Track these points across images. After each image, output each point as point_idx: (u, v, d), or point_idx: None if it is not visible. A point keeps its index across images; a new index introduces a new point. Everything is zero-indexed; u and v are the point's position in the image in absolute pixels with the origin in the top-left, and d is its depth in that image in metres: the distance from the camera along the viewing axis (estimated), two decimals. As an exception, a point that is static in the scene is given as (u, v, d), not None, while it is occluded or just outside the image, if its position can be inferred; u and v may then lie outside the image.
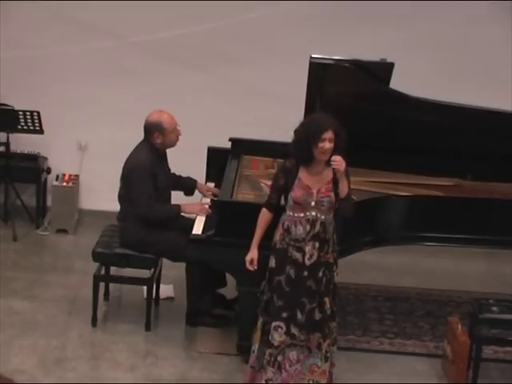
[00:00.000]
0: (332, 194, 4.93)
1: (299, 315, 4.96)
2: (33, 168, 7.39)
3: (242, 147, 6.40)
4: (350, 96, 5.77)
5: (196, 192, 6.23)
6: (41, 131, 7.14)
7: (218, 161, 6.37)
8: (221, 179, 6.00)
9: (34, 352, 5.53)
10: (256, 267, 5.07)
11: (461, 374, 5.41)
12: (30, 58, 7.41)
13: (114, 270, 6.06)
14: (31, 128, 7.13)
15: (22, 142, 7.38)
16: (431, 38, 7.20)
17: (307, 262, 4.94)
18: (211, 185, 6.33)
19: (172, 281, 6.43)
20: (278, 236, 5.01)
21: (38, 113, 7.08)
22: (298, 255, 4.95)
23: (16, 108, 7.10)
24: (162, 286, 6.30)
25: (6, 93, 7.28)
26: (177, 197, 6.09)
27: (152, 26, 7.35)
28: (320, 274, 4.95)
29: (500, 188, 6.06)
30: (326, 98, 5.61)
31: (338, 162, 4.84)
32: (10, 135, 7.12)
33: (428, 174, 6.14)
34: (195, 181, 6.21)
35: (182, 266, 5.92)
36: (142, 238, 5.78)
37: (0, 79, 7.25)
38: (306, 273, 4.94)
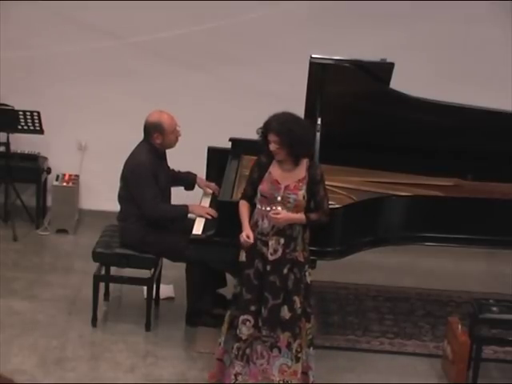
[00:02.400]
0: (300, 193, 4.93)
1: (263, 309, 4.99)
2: (33, 168, 7.39)
3: (242, 147, 6.40)
4: (350, 96, 5.77)
5: (196, 187, 6.23)
6: (41, 131, 7.14)
7: (218, 161, 6.36)
8: (221, 179, 6.00)
9: (34, 352, 5.53)
10: (253, 241, 4.98)
11: (461, 374, 5.41)
12: (30, 58, 7.41)
13: (114, 270, 6.06)
14: (31, 128, 7.13)
15: (22, 142, 7.38)
16: (431, 38, 7.20)
17: (270, 257, 4.96)
18: (211, 183, 6.32)
19: (172, 281, 6.43)
20: None
21: (38, 113, 7.08)
22: (265, 249, 4.98)
23: (16, 108, 7.11)
24: (162, 286, 6.31)
25: (6, 93, 7.28)
26: (177, 193, 6.10)
27: (152, 26, 7.35)
28: (285, 270, 4.96)
29: (500, 188, 6.06)
30: (326, 98, 5.61)
31: (276, 216, 4.88)
32: (10, 135, 7.12)
33: (428, 174, 6.14)
34: (195, 175, 6.21)
35: (181, 266, 5.92)
36: (142, 238, 5.78)
37: (0, 79, 7.25)
38: (268, 267, 4.97)
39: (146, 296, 5.92)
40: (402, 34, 7.15)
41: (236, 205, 5.31)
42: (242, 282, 5.06)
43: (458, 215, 5.72)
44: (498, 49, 7.22)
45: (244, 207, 5.11)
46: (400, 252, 6.58)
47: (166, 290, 6.36)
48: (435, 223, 5.74)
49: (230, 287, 6.02)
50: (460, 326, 5.48)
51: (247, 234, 4.99)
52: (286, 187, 4.94)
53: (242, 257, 5.06)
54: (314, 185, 4.97)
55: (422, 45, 7.21)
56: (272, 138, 4.90)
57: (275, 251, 4.96)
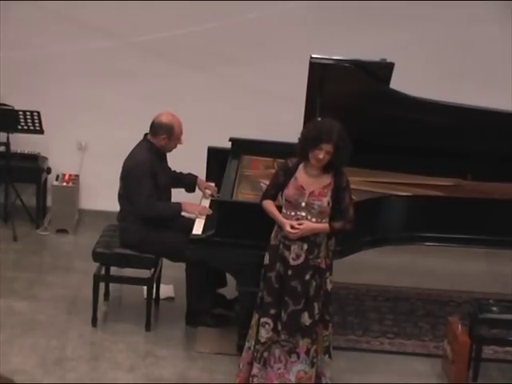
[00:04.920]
0: (325, 200, 4.91)
1: (282, 313, 4.97)
2: (33, 168, 7.39)
3: (242, 147, 6.41)
4: (349, 96, 5.77)
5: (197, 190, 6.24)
6: (41, 131, 7.14)
7: (218, 161, 6.36)
8: (221, 179, 6.00)
9: (34, 352, 5.53)
10: (302, 226, 4.91)
11: (461, 374, 5.41)
12: (30, 58, 7.41)
13: (114, 270, 6.06)
14: (31, 128, 7.12)
15: (22, 142, 7.37)
16: (431, 38, 7.20)
17: (292, 262, 4.94)
18: (211, 185, 6.33)
19: (172, 281, 6.42)
20: (273, 233, 5.04)
21: (38, 113, 7.08)
22: (287, 253, 4.96)
23: (16, 108, 7.10)
24: (162, 286, 6.31)
25: (6, 93, 7.28)
26: (178, 194, 6.10)
27: (152, 26, 7.34)
28: (307, 277, 4.94)
29: (500, 188, 6.06)
30: (325, 97, 5.61)
31: (299, 227, 4.87)
32: (10, 135, 7.11)
33: (428, 173, 6.15)
34: (196, 177, 6.22)
35: (181, 266, 5.92)
36: (142, 238, 5.78)
37: (0, 79, 7.25)
38: (290, 272, 4.95)
39: (146, 296, 5.91)
40: (401, 34, 7.15)
41: (236, 205, 5.32)
42: (264, 285, 5.05)
43: (457, 215, 5.72)
44: (498, 49, 7.21)
45: (269, 204, 5.07)
46: (400, 252, 6.59)
47: (165, 290, 6.36)
48: (435, 223, 5.75)
49: (230, 287, 6.02)
50: (460, 326, 5.48)
51: (291, 225, 4.91)
52: (311, 193, 4.92)
53: (266, 259, 5.05)
54: (339, 192, 4.94)
55: (422, 45, 7.21)
56: (327, 147, 4.83)
57: (298, 256, 4.94)
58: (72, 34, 7.36)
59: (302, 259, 4.94)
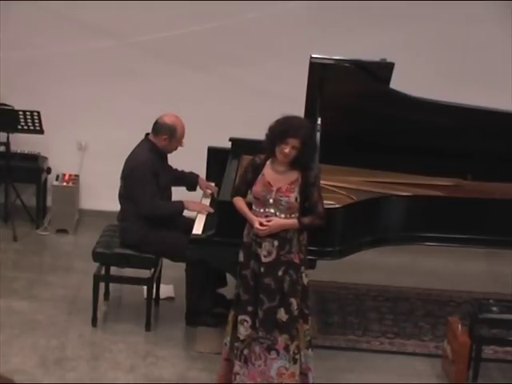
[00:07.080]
0: (292, 196, 4.90)
1: (259, 311, 4.98)
2: (33, 168, 7.39)
3: (242, 147, 6.40)
4: (350, 96, 5.77)
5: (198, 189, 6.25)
6: (41, 131, 7.14)
7: (218, 161, 6.37)
8: (221, 179, 6.01)
9: (34, 352, 5.53)
10: (270, 223, 4.91)
11: (461, 374, 5.41)
12: (30, 58, 7.41)
13: (114, 270, 6.06)
14: (31, 128, 7.13)
15: (22, 142, 7.38)
16: (431, 38, 7.20)
17: (264, 259, 4.94)
18: (212, 184, 6.33)
19: (172, 281, 6.43)
20: (245, 231, 5.05)
21: (38, 113, 7.08)
22: (259, 250, 4.97)
23: (16, 108, 7.11)
24: (162, 286, 6.31)
25: (6, 93, 7.28)
26: (179, 193, 6.10)
27: (152, 26, 7.35)
28: (280, 273, 4.94)
29: (500, 188, 6.06)
30: (326, 97, 5.61)
31: (267, 224, 4.88)
32: (10, 135, 7.12)
33: (428, 173, 6.14)
34: (197, 176, 6.23)
35: (181, 265, 5.92)
36: (142, 238, 5.79)
37: (0, 79, 7.25)
38: (262, 269, 4.95)
39: (146, 296, 5.92)
40: (401, 34, 7.16)
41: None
42: (240, 283, 5.07)
43: (457, 215, 5.72)
44: (497, 49, 7.22)
45: (240, 201, 5.08)
46: (400, 252, 6.58)
47: (165, 290, 6.36)
48: (435, 223, 5.74)
49: (230, 287, 6.02)
50: (460, 326, 5.48)
51: (260, 222, 4.92)
52: (278, 190, 4.92)
53: (241, 257, 5.06)
54: (307, 187, 4.94)
55: (422, 45, 7.21)
56: (294, 142, 4.84)
57: (269, 253, 4.94)
58: (72, 34, 7.37)
59: (273, 256, 4.94)
